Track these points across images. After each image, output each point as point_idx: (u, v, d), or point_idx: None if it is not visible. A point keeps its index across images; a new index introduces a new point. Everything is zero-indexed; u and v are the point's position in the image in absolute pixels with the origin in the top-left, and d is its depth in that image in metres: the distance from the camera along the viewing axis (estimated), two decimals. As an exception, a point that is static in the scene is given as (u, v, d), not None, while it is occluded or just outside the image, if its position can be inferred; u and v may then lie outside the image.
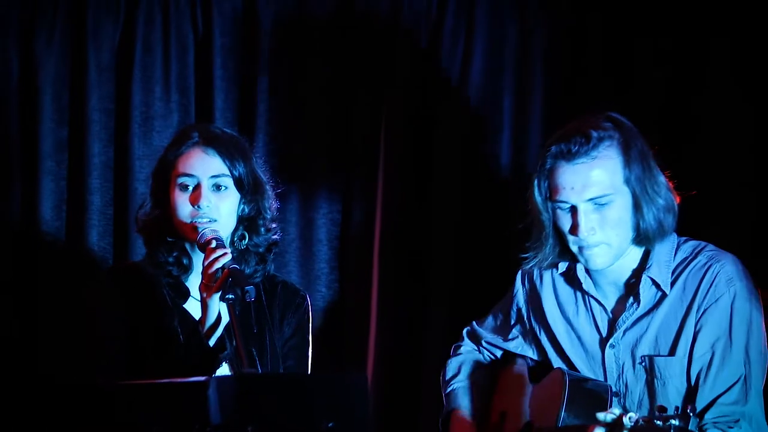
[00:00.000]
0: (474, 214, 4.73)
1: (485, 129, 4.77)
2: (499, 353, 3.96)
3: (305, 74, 4.80)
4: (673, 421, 2.99)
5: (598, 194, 3.47)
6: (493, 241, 4.53)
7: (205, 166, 3.65)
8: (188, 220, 3.61)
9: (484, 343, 3.97)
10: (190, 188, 3.63)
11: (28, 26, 4.71)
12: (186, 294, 3.71)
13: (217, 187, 3.65)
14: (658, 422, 3.00)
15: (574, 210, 3.50)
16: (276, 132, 4.79)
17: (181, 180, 3.64)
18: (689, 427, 3.00)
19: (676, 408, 3.03)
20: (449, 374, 3.95)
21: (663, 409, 3.05)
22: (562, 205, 3.52)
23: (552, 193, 3.53)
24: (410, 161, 4.79)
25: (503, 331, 3.92)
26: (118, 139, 4.75)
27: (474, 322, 4.01)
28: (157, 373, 3.49)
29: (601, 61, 4.68)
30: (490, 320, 3.97)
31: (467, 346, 4.01)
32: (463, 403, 3.88)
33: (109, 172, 4.74)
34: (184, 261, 3.70)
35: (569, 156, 3.47)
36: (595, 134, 3.48)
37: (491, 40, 4.77)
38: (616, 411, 3.11)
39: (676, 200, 3.58)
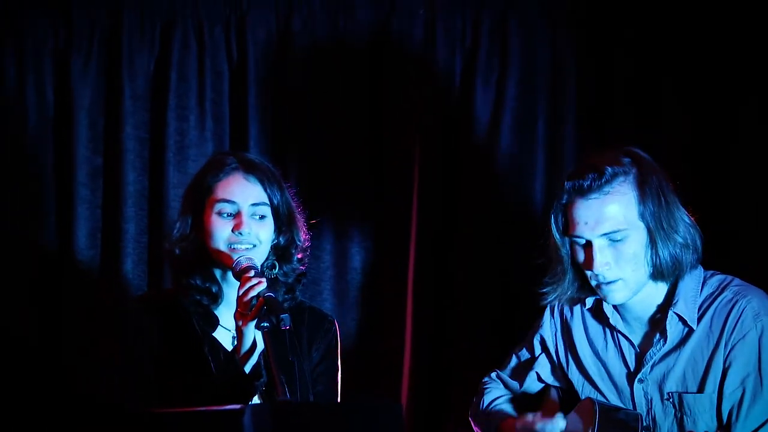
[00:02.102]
0: (505, 241, 4.71)
1: (519, 156, 4.77)
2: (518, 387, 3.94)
3: (340, 102, 4.80)
4: None
5: (611, 229, 3.48)
6: (523, 270, 4.52)
7: (246, 193, 3.65)
8: (225, 246, 3.61)
9: (505, 380, 3.96)
10: (229, 215, 3.63)
11: (63, 55, 4.74)
12: (215, 323, 3.70)
13: (258, 216, 3.65)
14: None
15: (588, 245, 3.52)
16: (310, 160, 4.79)
17: (220, 206, 3.63)
18: None
19: None
20: (486, 402, 3.93)
21: None
22: (578, 240, 3.54)
23: (568, 228, 3.55)
24: (444, 188, 4.79)
25: (524, 370, 3.90)
26: (153, 167, 4.76)
27: (498, 371, 4.00)
28: (189, 402, 3.49)
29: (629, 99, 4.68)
30: (513, 361, 3.96)
31: (497, 381, 3.99)
32: (510, 413, 3.85)
33: (143, 200, 4.75)
34: (214, 290, 3.68)
35: (583, 191, 3.50)
36: (609, 170, 3.50)
37: (525, 66, 4.77)
38: None
39: (700, 237, 3.56)
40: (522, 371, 3.92)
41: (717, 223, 3.94)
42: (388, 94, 4.80)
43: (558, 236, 3.58)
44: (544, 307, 3.85)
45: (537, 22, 4.78)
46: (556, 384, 3.85)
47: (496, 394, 3.94)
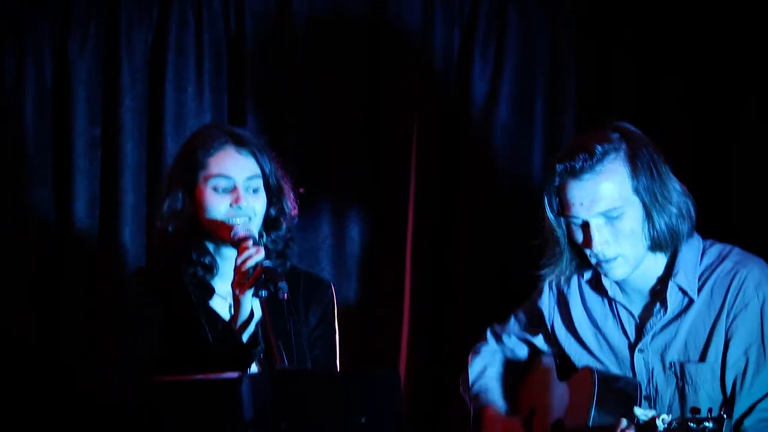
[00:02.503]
0: (504, 207, 4.72)
1: (517, 133, 4.77)
2: (521, 352, 3.95)
3: (338, 74, 4.80)
4: (707, 424, 2.99)
5: (607, 208, 3.48)
6: (522, 238, 4.52)
7: (239, 167, 3.63)
8: (221, 219, 3.60)
9: (505, 339, 3.96)
10: (225, 189, 3.62)
11: (61, 29, 4.73)
12: (211, 292, 3.70)
13: (252, 189, 3.65)
14: (692, 424, 3.00)
15: (586, 225, 3.51)
16: (308, 130, 4.79)
17: (215, 182, 3.61)
18: (723, 431, 2.99)
19: (710, 410, 3.03)
20: (474, 374, 3.94)
21: (696, 410, 3.04)
22: (574, 220, 3.54)
23: (563, 209, 3.54)
24: (442, 163, 4.79)
25: (528, 328, 3.92)
26: (151, 138, 4.76)
27: (495, 324, 4.01)
28: (188, 371, 3.48)
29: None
30: (512, 321, 3.97)
31: (490, 345, 4.00)
32: (494, 400, 3.87)
33: (141, 171, 4.75)
34: (207, 261, 3.67)
35: (575, 172, 3.49)
36: (599, 148, 3.49)
37: (523, 44, 4.77)
38: (650, 413, 3.11)
39: (692, 203, 3.57)
40: (519, 336, 3.93)
41: (717, 223, 3.93)
42: (386, 68, 4.79)
43: (553, 218, 3.58)
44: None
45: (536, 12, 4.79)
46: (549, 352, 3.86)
47: (483, 363, 3.95)
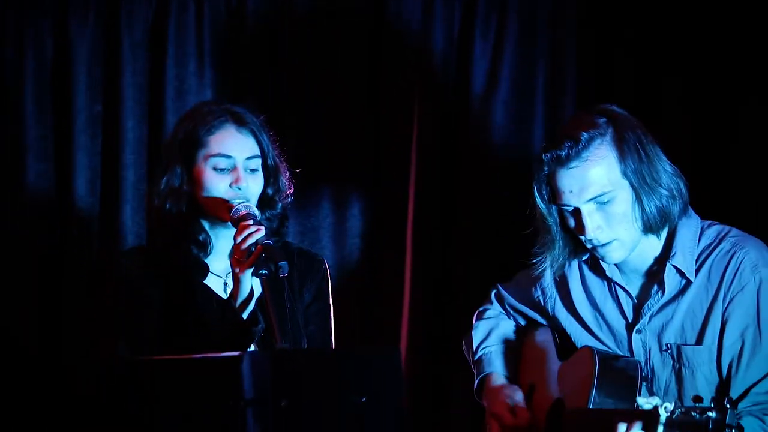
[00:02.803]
0: (504, 182, 4.71)
1: (517, 114, 4.77)
2: (521, 321, 3.96)
3: (338, 52, 4.79)
4: (710, 414, 2.94)
5: (597, 193, 3.47)
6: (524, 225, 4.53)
7: (240, 146, 3.62)
8: (221, 197, 3.59)
9: (508, 307, 3.97)
10: (225, 169, 3.60)
11: (62, 5, 4.72)
12: (205, 270, 3.69)
13: (251, 170, 3.64)
14: (695, 414, 2.96)
15: (577, 212, 3.50)
16: (308, 108, 4.78)
17: (216, 161, 3.60)
18: (727, 420, 2.94)
19: (713, 399, 2.98)
20: (478, 338, 3.94)
21: (699, 399, 3.00)
22: (566, 208, 3.53)
23: (554, 197, 3.54)
24: (442, 143, 4.78)
25: (527, 303, 3.92)
26: (152, 114, 4.75)
27: (500, 285, 4.01)
28: (186, 350, 3.49)
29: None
30: (513, 290, 3.97)
31: (495, 309, 4.00)
32: (497, 367, 3.87)
33: (142, 147, 4.74)
34: (202, 238, 3.67)
35: (562, 161, 3.48)
36: (585, 135, 3.47)
37: (522, 28, 4.76)
38: (653, 401, 3.09)
39: (684, 182, 3.55)
40: (518, 308, 3.94)
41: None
42: (386, 48, 4.78)
43: (543, 206, 3.57)
44: None
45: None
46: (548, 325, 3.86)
47: (488, 327, 3.95)
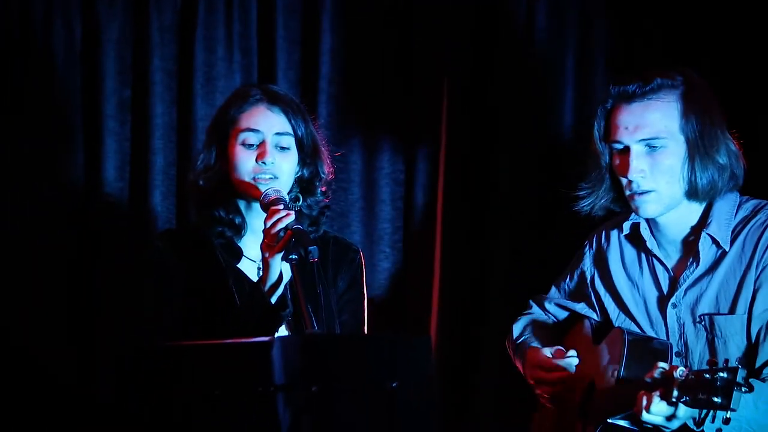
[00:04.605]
0: (537, 175, 4.69)
1: (548, 88, 4.74)
2: (562, 315, 3.96)
3: (368, 35, 4.78)
4: (720, 374, 3.00)
5: (650, 136, 3.49)
6: (554, 205, 4.49)
7: (269, 122, 3.65)
8: (249, 178, 3.61)
9: (547, 305, 3.97)
10: (253, 145, 3.63)
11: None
12: (239, 254, 3.70)
13: (280, 147, 3.64)
14: (707, 375, 3.03)
15: (626, 151, 3.52)
16: (338, 92, 4.76)
17: (244, 136, 3.63)
18: (737, 379, 2.99)
19: (725, 361, 3.04)
20: (517, 333, 3.95)
21: (713, 363, 3.06)
22: (616, 145, 3.54)
23: (609, 133, 3.56)
24: (473, 120, 4.76)
25: (570, 296, 3.92)
26: (181, 99, 4.75)
27: (537, 295, 4.02)
28: (216, 334, 3.50)
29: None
30: (553, 291, 3.98)
31: (534, 310, 4.02)
32: (537, 344, 3.86)
33: (172, 132, 4.74)
34: (237, 221, 3.68)
35: (627, 97, 3.52)
36: (658, 80, 3.51)
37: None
38: (666, 365, 3.15)
39: (742, 167, 3.55)
40: (561, 303, 3.95)
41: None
42: (416, 26, 4.77)
43: (599, 142, 3.60)
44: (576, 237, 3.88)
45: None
46: (593, 317, 3.84)
47: (527, 320, 3.97)
